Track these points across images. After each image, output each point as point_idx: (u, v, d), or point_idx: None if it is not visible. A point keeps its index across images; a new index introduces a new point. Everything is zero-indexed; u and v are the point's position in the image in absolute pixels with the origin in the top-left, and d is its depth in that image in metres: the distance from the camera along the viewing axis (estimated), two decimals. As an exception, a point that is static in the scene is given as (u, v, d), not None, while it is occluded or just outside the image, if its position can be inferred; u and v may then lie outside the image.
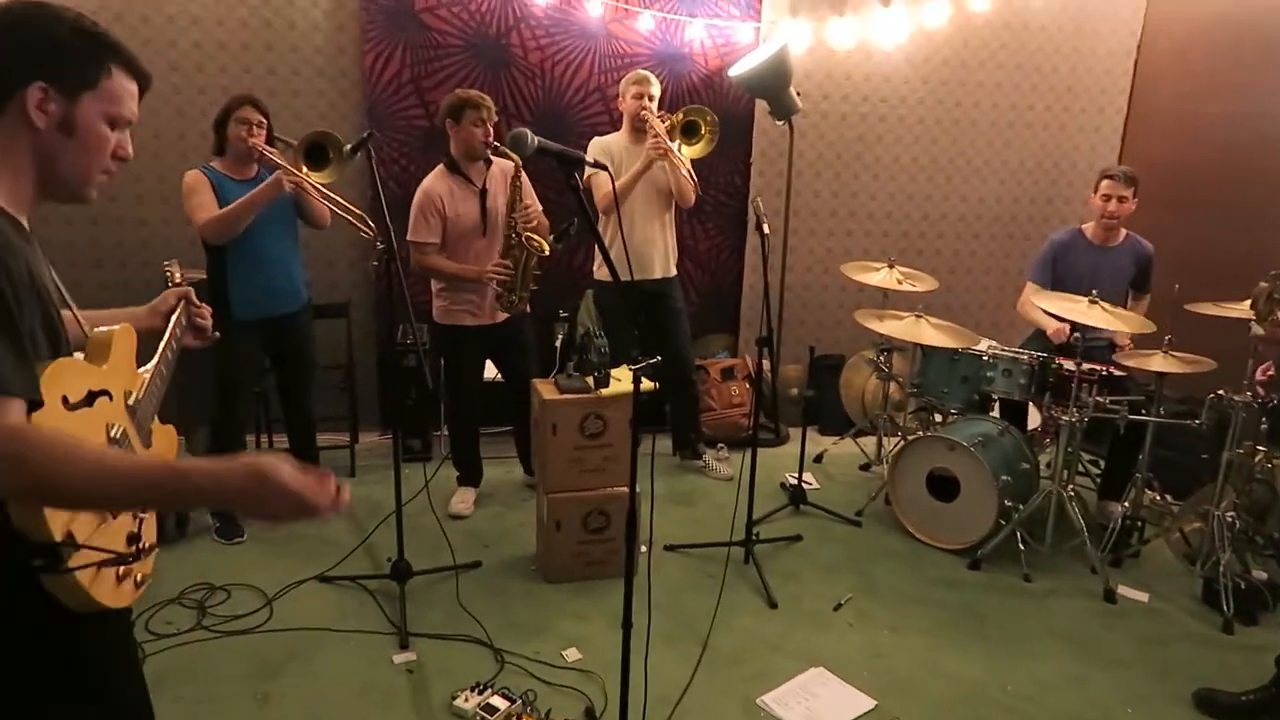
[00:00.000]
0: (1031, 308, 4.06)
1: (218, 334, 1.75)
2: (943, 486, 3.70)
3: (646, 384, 2.83)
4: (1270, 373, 2.52)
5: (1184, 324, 3.55)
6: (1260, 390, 2.58)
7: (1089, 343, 3.71)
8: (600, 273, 4.17)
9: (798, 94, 4.45)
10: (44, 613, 1.21)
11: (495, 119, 3.58)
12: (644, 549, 3.56)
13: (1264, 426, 3.17)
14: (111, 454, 1.21)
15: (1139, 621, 3.25)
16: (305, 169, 3.33)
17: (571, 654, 2.90)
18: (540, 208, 3.65)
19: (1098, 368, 3.57)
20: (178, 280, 1.78)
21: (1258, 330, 2.23)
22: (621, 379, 3.32)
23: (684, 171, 3.91)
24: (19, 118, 1.21)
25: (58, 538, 1.16)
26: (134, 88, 1.31)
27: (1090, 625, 3.21)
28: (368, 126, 4.28)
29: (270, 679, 2.71)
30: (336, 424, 4.32)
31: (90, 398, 1.31)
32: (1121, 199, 3.84)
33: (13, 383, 1.11)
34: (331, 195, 3.42)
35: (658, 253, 4.10)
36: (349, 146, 3.14)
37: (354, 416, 4.38)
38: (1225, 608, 3.21)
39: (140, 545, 1.41)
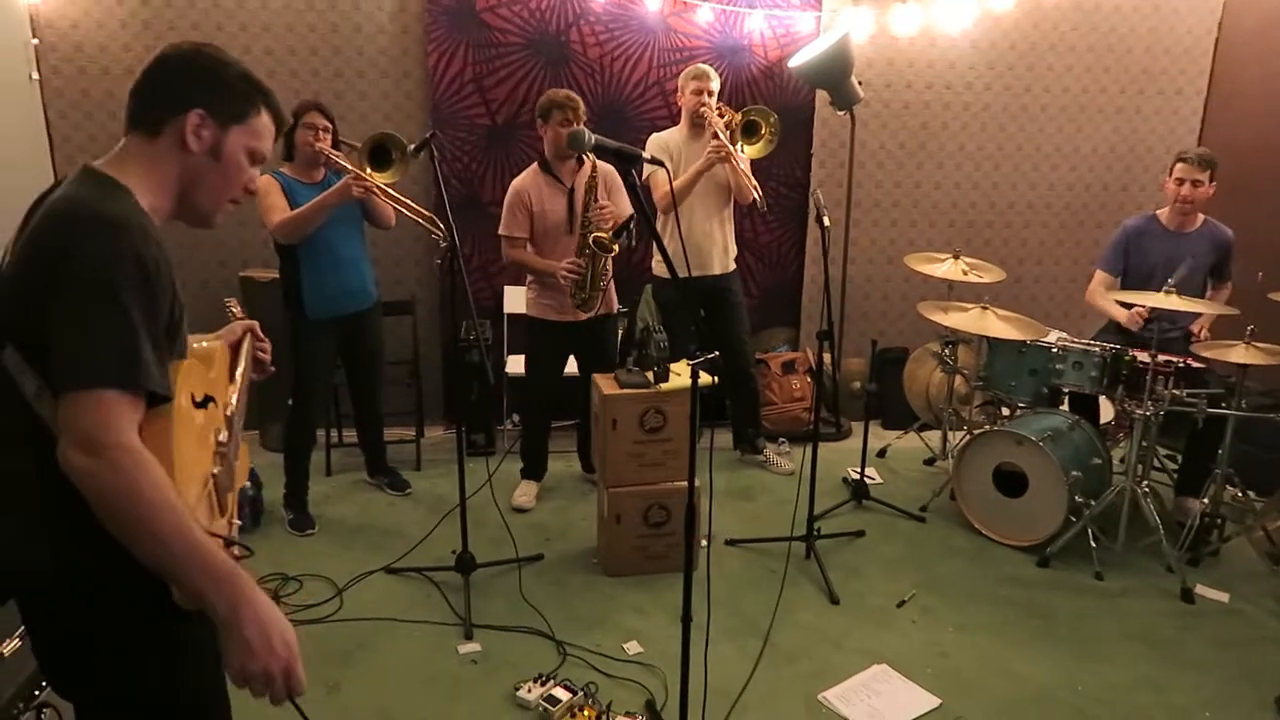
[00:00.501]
0: (1100, 296, 3.94)
1: (273, 369, 1.78)
2: (1010, 482, 3.62)
3: (705, 378, 2.84)
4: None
5: (1267, 313, 3.41)
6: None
7: (1165, 334, 3.59)
8: (659, 268, 4.18)
9: (859, 83, 4.40)
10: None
11: (584, 119, 3.62)
12: (704, 543, 3.57)
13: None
14: (193, 523, 1.24)
15: (1218, 623, 3.14)
16: (369, 170, 3.40)
17: (632, 647, 2.92)
18: (614, 208, 3.66)
19: (1174, 359, 3.45)
20: (240, 315, 1.83)
21: None
22: (681, 374, 3.33)
23: (744, 173, 3.88)
24: (176, 139, 1.35)
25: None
26: (273, 129, 1.45)
27: (1166, 626, 3.11)
28: (431, 126, 4.37)
29: (340, 668, 2.80)
30: (403, 419, 4.42)
31: (205, 400, 1.41)
32: (1196, 183, 3.69)
33: (152, 375, 1.21)
34: (398, 196, 3.50)
35: (716, 248, 4.09)
36: (413, 146, 3.20)
37: (420, 412, 4.48)
38: (1312, 610, 3.08)
39: (235, 548, 1.46)
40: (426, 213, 3.55)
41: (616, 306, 3.90)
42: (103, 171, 1.32)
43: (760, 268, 4.95)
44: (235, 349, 1.68)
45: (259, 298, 4.20)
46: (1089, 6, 4.80)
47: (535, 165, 3.73)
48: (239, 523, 1.58)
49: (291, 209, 3.39)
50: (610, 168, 3.61)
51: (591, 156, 3.43)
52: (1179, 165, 3.74)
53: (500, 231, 3.73)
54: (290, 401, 3.70)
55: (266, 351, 1.75)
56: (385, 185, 3.45)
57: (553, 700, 2.58)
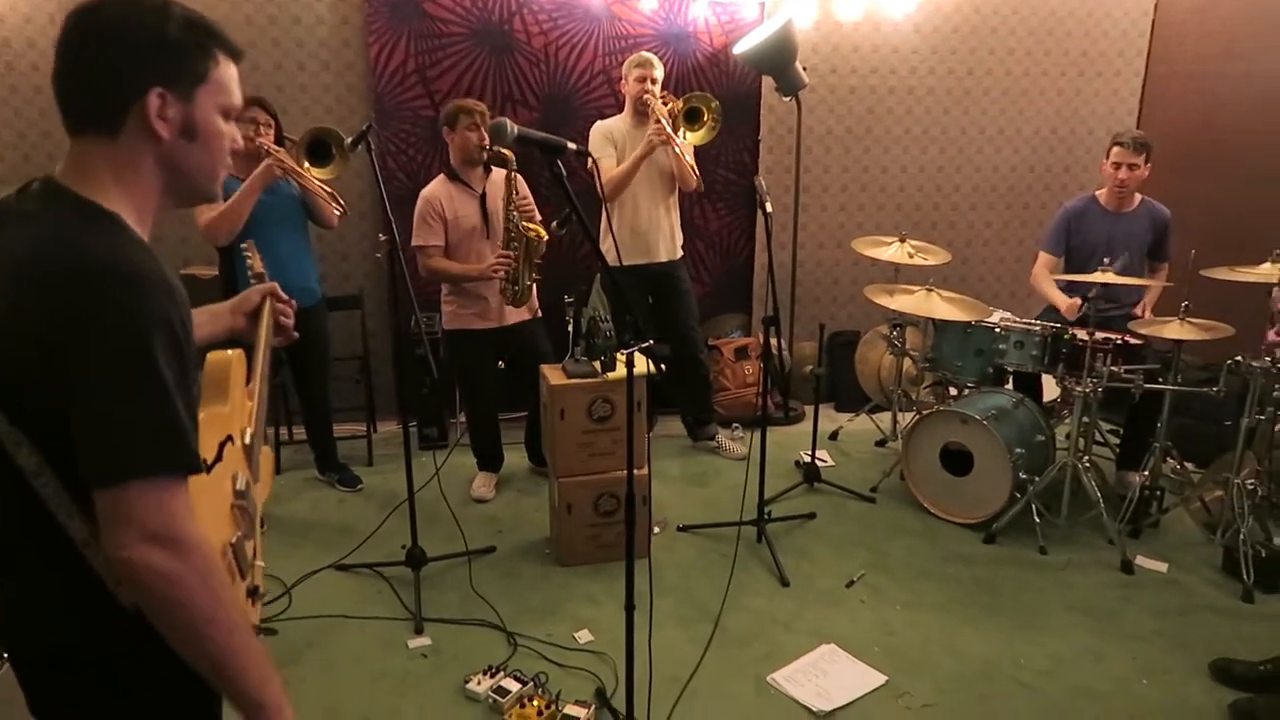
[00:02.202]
0: (1043, 281, 4.01)
1: (297, 334, 1.67)
2: (957, 461, 3.68)
3: (643, 366, 2.84)
4: (1281, 337, 2.47)
5: (1202, 290, 3.48)
6: (1276, 355, 2.54)
7: (1103, 312, 3.65)
8: (608, 256, 4.17)
9: (804, 69, 4.42)
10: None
11: (489, 122, 3.59)
12: (657, 530, 3.59)
13: (1276, 393, 3.10)
14: (250, 628, 1.19)
15: (1157, 592, 3.21)
16: (308, 165, 3.36)
17: (584, 636, 2.93)
18: (533, 202, 3.69)
19: (1112, 336, 3.52)
20: (259, 270, 1.69)
21: None
22: (635, 362, 3.32)
23: (686, 159, 3.90)
24: (140, 130, 1.13)
25: None
26: (235, 70, 1.23)
27: (1107, 597, 3.18)
28: (374, 119, 4.32)
29: (288, 665, 2.77)
30: (354, 414, 4.38)
31: (219, 449, 1.25)
32: (1132, 166, 3.76)
33: (192, 457, 1.09)
34: (312, 180, 3.44)
35: (662, 236, 4.10)
36: (349, 140, 3.16)
37: (371, 407, 4.44)
38: (1246, 576, 3.17)
39: (259, 594, 1.42)
40: (328, 189, 3.46)
41: (539, 311, 3.89)
42: (82, 196, 1.12)
43: (711, 255, 4.96)
44: (251, 318, 1.54)
45: (201, 296, 4.09)
46: (1029, -10, 4.86)
47: (442, 175, 3.70)
48: (262, 565, 1.45)
49: None
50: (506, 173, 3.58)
51: (510, 155, 3.43)
52: (1115, 149, 3.81)
53: (415, 243, 3.66)
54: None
55: (290, 314, 1.62)
56: (325, 180, 3.41)
57: (502, 691, 2.58)
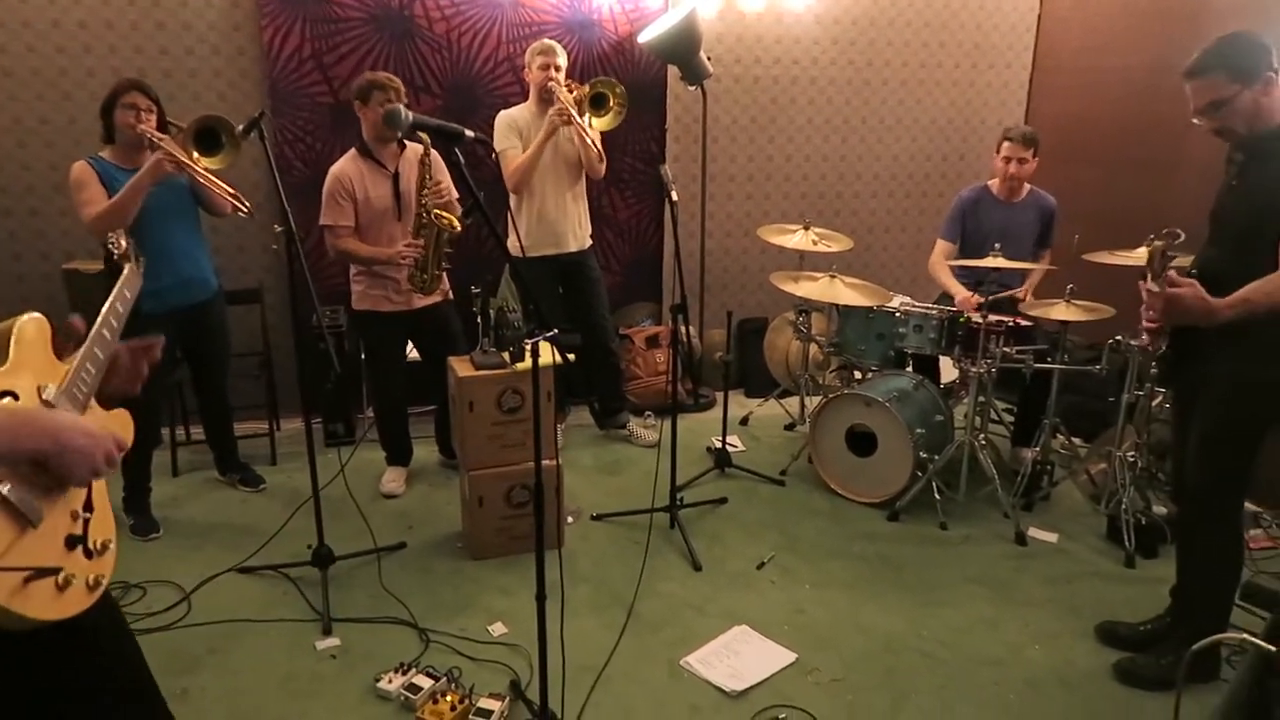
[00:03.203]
0: (940, 270, 4.15)
1: None
2: (862, 442, 3.78)
3: (547, 356, 2.83)
4: (1154, 320, 2.61)
5: (1086, 273, 3.66)
6: (1147, 334, 2.68)
7: (995, 295, 3.81)
8: (514, 248, 4.13)
9: (709, 58, 4.46)
10: None
11: (405, 100, 3.51)
12: (570, 520, 3.59)
13: (1153, 371, 3.29)
14: None
15: (1048, 561, 3.38)
16: (196, 155, 3.22)
17: (497, 629, 2.91)
18: (450, 185, 3.60)
19: (1004, 319, 3.67)
20: (124, 248, 1.70)
21: (1152, 287, 2.31)
22: (540, 352, 3.30)
23: (590, 142, 3.88)
24: None
25: None
26: None
27: (1002, 568, 3.33)
28: (269, 105, 4.18)
29: (188, 674, 2.67)
30: (255, 412, 4.24)
31: None
32: (1021, 160, 3.93)
33: None
34: (210, 177, 3.30)
35: (570, 226, 4.09)
36: (241, 127, 3.04)
37: (273, 403, 4.30)
38: (1128, 543, 3.35)
39: (89, 546, 1.40)
40: (231, 190, 3.33)
41: (450, 294, 3.82)
42: None
43: (620, 243, 4.97)
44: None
45: (87, 291, 3.93)
46: (923, -17, 5.01)
47: (354, 150, 3.57)
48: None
49: (112, 197, 3.17)
50: (422, 148, 3.51)
51: (426, 137, 3.34)
52: (1005, 144, 3.97)
53: (323, 222, 3.55)
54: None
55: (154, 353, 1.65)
56: (214, 170, 3.27)
57: (414, 689, 2.55)
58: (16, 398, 1.31)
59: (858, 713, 2.56)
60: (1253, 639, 1.32)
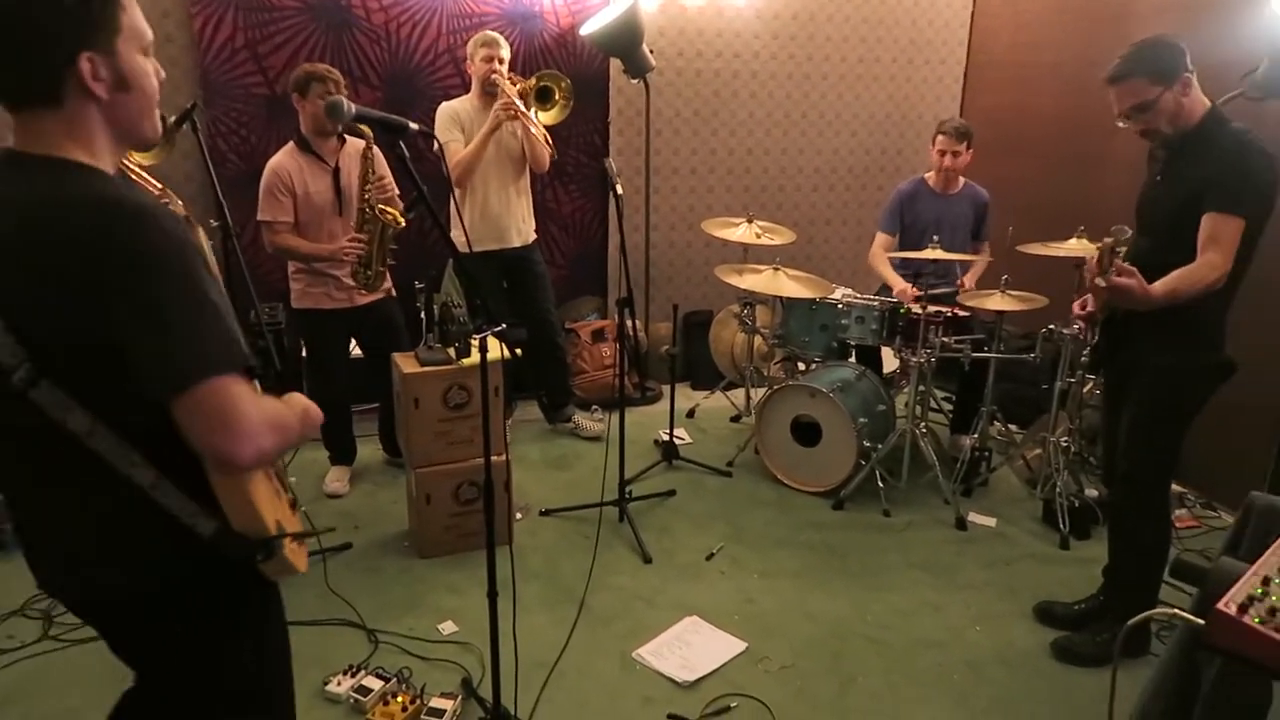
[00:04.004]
0: (880, 263, 4.22)
1: None
2: (807, 432, 3.84)
3: (494, 351, 2.81)
4: (1088, 308, 2.71)
5: (1020, 264, 3.77)
6: (1080, 324, 2.78)
7: (934, 287, 3.90)
8: (458, 242, 4.08)
9: (651, 51, 4.46)
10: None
11: (345, 92, 3.43)
12: (519, 516, 3.57)
13: (1084, 359, 3.40)
14: (279, 406, 1.36)
15: (987, 545, 3.47)
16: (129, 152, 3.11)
17: (447, 627, 2.89)
18: (393, 181, 3.54)
19: (943, 310, 3.75)
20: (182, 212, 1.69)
21: (1100, 282, 2.39)
22: (488, 347, 3.28)
23: (537, 135, 3.86)
24: (80, 95, 1.18)
25: (272, 531, 1.30)
26: (137, 6, 1.25)
27: (944, 553, 3.41)
28: (200, 96, 4.06)
29: (128, 684, 2.59)
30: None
31: None
32: (955, 153, 4.02)
33: (247, 356, 1.21)
34: (139, 171, 3.19)
35: (514, 220, 4.06)
36: (172, 119, 2.95)
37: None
38: (1062, 525, 3.47)
39: (296, 506, 1.58)
40: (159, 185, 3.23)
41: (393, 291, 3.77)
42: (57, 156, 1.18)
43: (565, 237, 4.95)
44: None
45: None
46: (861, -21, 5.08)
47: (292, 144, 3.48)
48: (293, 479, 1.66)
49: None
50: (364, 143, 3.44)
51: (368, 131, 3.28)
52: (939, 137, 4.06)
53: (260, 217, 3.44)
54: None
55: None
56: (145, 166, 3.17)
57: (364, 690, 2.51)
58: None
59: (807, 698, 2.60)
60: (1182, 614, 1.38)
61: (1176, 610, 1.40)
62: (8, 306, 1.15)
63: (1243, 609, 1.31)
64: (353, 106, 1.65)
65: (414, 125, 1.76)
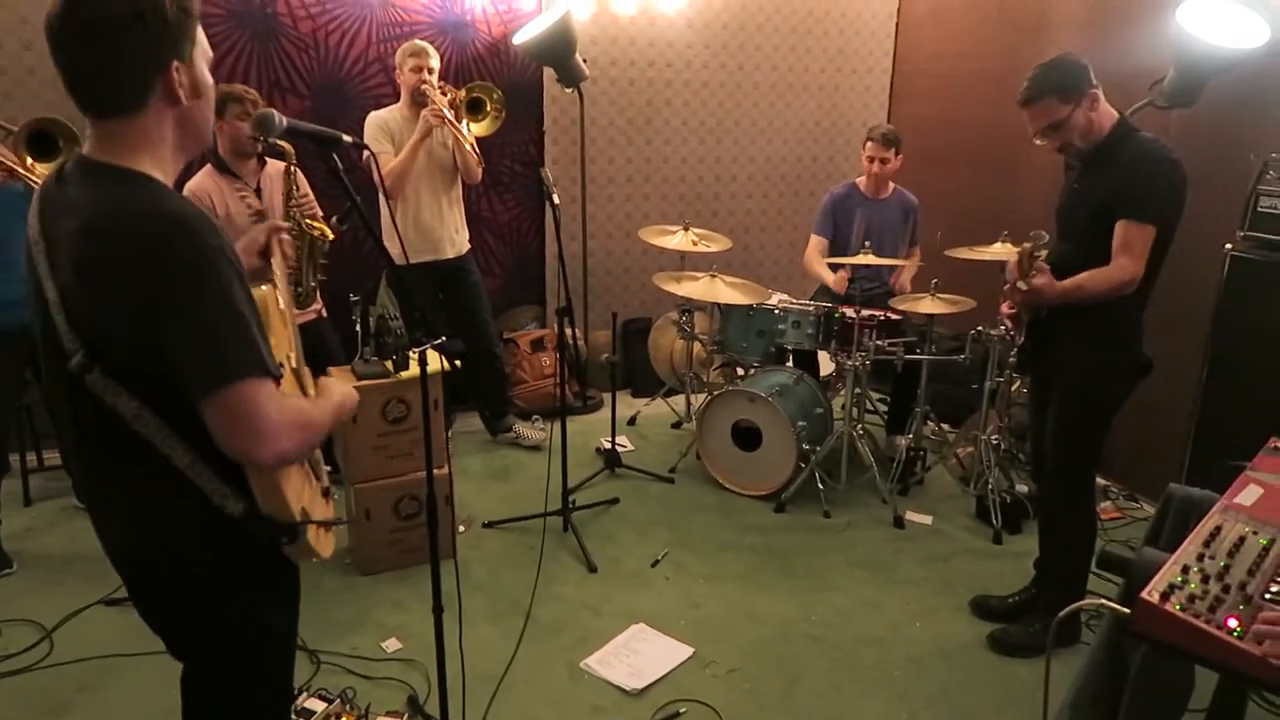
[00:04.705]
0: (815, 262, 4.31)
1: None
2: (747, 437, 3.88)
3: (436, 364, 2.79)
4: (1012, 310, 2.81)
5: (948, 268, 3.87)
6: (1008, 325, 2.89)
7: (867, 291, 3.99)
8: (395, 252, 4.03)
9: (584, 61, 4.47)
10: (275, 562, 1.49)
11: (255, 113, 3.35)
12: (462, 529, 3.54)
13: (1013, 359, 3.52)
14: (310, 405, 1.48)
15: (924, 542, 3.56)
16: (30, 160, 3.01)
17: (391, 644, 2.84)
18: (313, 199, 3.49)
19: (876, 314, 3.84)
20: (259, 208, 1.94)
21: (1021, 285, 2.50)
22: (427, 360, 3.25)
23: (467, 146, 3.84)
24: (163, 101, 1.29)
25: (297, 517, 1.39)
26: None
27: (883, 551, 3.48)
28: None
29: (57, 716, 2.49)
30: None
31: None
32: (884, 159, 4.13)
33: (266, 360, 1.29)
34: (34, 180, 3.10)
35: (446, 231, 4.02)
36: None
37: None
38: (995, 521, 3.57)
39: (331, 495, 1.69)
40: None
41: (324, 311, 3.71)
42: (122, 166, 1.29)
43: (501, 247, 4.93)
44: (264, 255, 1.68)
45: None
46: (789, -10, 5.17)
47: (209, 167, 3.39)
48: (329, 469, 1.75)
49: None
50: (284, 165, 3.40)
51: (291, 149, 3.23)
52: (868, 144, 4.16)
53: None
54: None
55: (290, 241, 1.78)
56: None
57: (307, 713, 2.45)
58: (283, 367, 1.45)
59: (754, 700, 2.63)
60: (1109, 603, 1.44)
61: (1103, 600, 1.46)
62: (68, 301, 1.27)
63: (1164, 597, 1.37)
64: (283, 120, 1.62)
65: (347, 138, 1.75)
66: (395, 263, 2.05)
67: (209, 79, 1.38)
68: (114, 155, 1.29)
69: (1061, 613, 1.48)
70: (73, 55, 1.26)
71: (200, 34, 1.34)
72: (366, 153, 2.02)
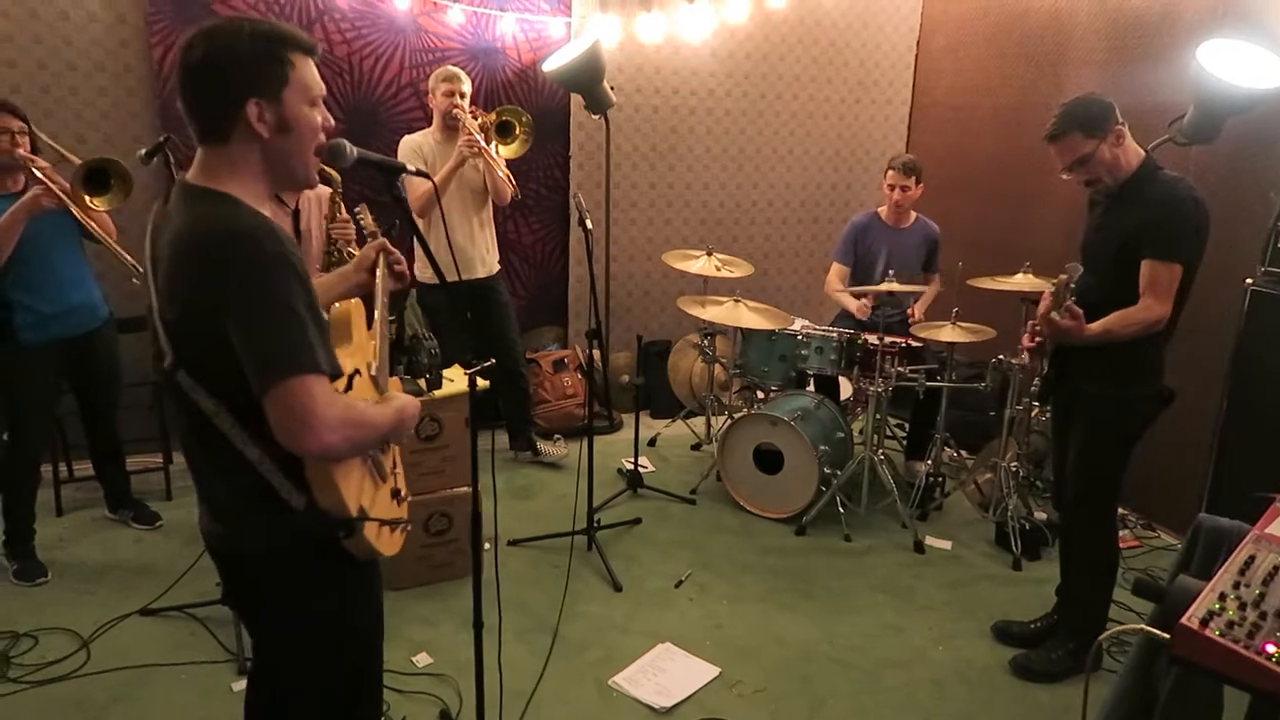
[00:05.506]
0: (836, 289, 4.38)
1: (409, 276, 1.92)
2: (768, 460, 3.93)
3: (480, 382, 2.84)
4: (1033, 343, 2.87)
5: (968, 297, 3.94)
6: (1028, 356, 2.95)
7: (889, 318, 4.05)
8: (422, 274, 4.11)
9: (611, 88, 4.55)
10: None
11: (327, 143, 3.43)
12: (488, 546, 3.58)
13: (1034, 388, 3.57)
14: (368, 413, 1.52)
15: (944, 568, 3.60)
16: (86, 195, 3.13)
17: (422, 659, 2.89)
18: (353, 226, 3.56)
19: (897, 340, 3.90)
20: (373, 228, 2.01)
21: (1055, 316, 2.57)
22: (454, 379, 3.31)
23: (500, 172, 3.92)
24: (247, 134, 1.43)
25: (354, 513, 1.48)
26: (312, 62, 1.49)
27: (903, 576, 3.52)
28: (160, 126, 4.03)
29: (92, 726, 2.54)
30: (147, 445, 4.04)
31: (349, 380, 1.53)
32: (905, 187, 4.21)
33: (335, 365, 1.41)
34: (102, 225, 3.24)
35: (478, 251, 4.10)
36: (143, 152, 2.93)
37: (165, 435, 4.10)
38: (1014, 547, 3.61)
39: (402, 496, 1.79)
40: (129, 257, 3.24)
41: None
42: (205, 187, 1.43)
43: (525, 268, 5.00)
44: (371, 272, 1.81)
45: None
46: (810, 22, 5.27)
47: None
48: (400, 471, 1.83)
49: None
50: (328, 191, 3.47)
51: (337, 175, 3.31)
52: (889, 172, 4.24)
53: None
54: (4, 437, 3.29)
55: (401, 262, 1.87)
56: (103, 209, 3.20)
57: (342, 726, 2.49)
58: (360, 374, 1.59)
59: (781, 721, 2.67)
60: (1150, 629, 1.48)
61: (1143, 626, 1.50)
62: (161, 307, 1.42)
63: (1204, 623, 1.42)
64: (354, 150, 1.69)
65: (410, 166, 1.82)
66: (443, 279, 2.09)
67: (307, 115, 1.48)
68: (205, 179, 1.45)
69: (1104, 635, 1.52)
70: (180, 92, 1.44)
71: (302, 75, 1.46)
72: (401, 178, 2.09)
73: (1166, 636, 1.44)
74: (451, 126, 3.94)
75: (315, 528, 1.48)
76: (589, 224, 3.44)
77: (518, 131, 4.07)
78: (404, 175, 3.80)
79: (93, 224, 3.21)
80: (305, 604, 1.59)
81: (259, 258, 1.36)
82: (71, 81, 3.99)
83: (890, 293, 3.87)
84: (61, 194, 3.08)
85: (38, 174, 3.07)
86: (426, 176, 1.97)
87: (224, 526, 1.56)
